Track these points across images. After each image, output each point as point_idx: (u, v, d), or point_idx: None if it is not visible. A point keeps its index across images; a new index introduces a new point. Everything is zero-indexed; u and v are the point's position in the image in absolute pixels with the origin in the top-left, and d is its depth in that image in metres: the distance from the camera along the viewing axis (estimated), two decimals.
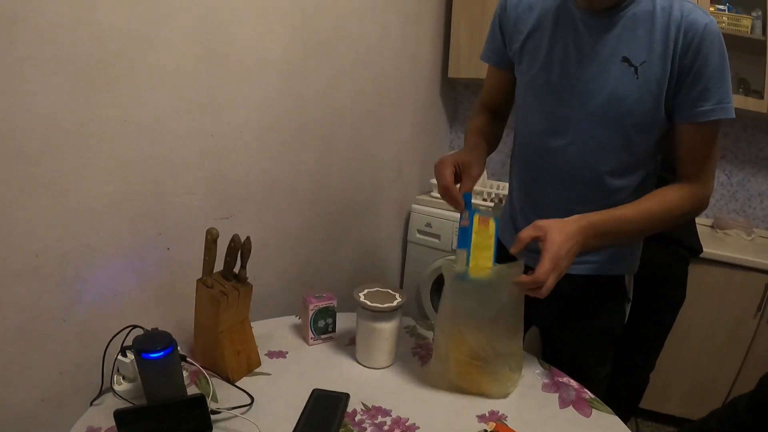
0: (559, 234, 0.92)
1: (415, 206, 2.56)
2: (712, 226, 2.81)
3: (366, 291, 1.16)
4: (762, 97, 2.43)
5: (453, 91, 3.03)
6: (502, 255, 1.05)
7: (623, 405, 1.83)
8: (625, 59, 1.02)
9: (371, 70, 2.02)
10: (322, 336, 1.22)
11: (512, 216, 1.30)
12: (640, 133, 1.06)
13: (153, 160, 1.14)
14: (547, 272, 0.88)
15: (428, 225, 2.51)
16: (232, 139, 1.37)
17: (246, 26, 1.35)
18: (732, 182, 2.90)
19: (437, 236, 2.49)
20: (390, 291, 1.17)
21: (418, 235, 2.55)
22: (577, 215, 0.99)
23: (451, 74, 2.73)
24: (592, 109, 1.06)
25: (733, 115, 1.01)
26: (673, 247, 1.88)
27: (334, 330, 1.24)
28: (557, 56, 1.09)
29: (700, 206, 1.08)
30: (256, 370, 1.10)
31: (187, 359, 1.03)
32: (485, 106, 1.31)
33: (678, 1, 0.99)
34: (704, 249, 2.10)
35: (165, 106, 1.15)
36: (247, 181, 1.45)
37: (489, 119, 1.29)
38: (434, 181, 2.60)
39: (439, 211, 2.50)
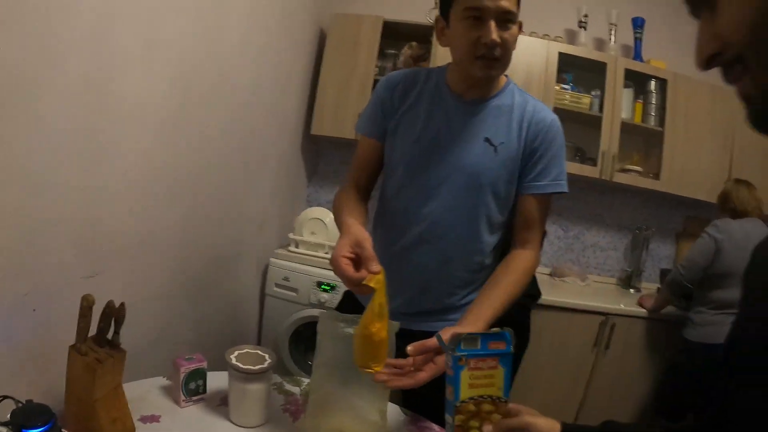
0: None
1: (273, 260, 2.69)
2: (550, 274, 3.34)
3: (236, 353, 1.27)
4: (595, 165, 3.04)
5: (315, 145, 3.24)
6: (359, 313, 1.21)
7: None
8: (487, 139, 1.32)
9: (242, 126, 2.15)
10: (194, 397, 1.29)
11: None
12: (497, 201, 1.35)
13: (24, 212, 1.14)
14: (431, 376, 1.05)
15: (286, 279, 2.65)
16: (105, 193, 1.40)
17: (131, 76, 1.41)
18: (569, 235, 3.48)
19: (295, 290, 2.63)
20: (259, 351, 1.29)
21: (275, 289, 2.68)
22: (468, 326, 1.14)
23: (314, 131, 2.95)
24: (459, 179, 1.33)
25: (566, 190, 1.36)
26: None
27: (204, 391, 1.32)
28: (431, 133, 1.35)
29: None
30: None
31: (62, 431, 1.07)
32: (355, 184, 1.46)
33: (532, 100, 1.36)
34: (546, 296, 2.52)
35: (42, 154, 1.16)
36: (117, 238, 1.48)
37: (360, 199, 1.42)
38: (292, 235, 2.78)
39: (296, 265, 2.65)
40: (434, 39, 2.94)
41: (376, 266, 1.04)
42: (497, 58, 1.25)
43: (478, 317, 1.19)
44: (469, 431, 0.93)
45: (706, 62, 0.51)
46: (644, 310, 2.82)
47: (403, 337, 1.18)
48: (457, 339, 0.93)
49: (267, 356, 1.28)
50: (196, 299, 2.02)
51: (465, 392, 0.93)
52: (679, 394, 2.54)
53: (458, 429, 0.93)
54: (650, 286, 3.39)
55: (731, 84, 0.51)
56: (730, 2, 0.48)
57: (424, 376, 1.05)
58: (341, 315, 1.21)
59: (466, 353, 0.93)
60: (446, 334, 1.02)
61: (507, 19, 1.22)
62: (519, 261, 1.34)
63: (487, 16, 1.20)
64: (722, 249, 2.47)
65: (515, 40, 1.27)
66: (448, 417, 0.94)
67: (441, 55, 2.89)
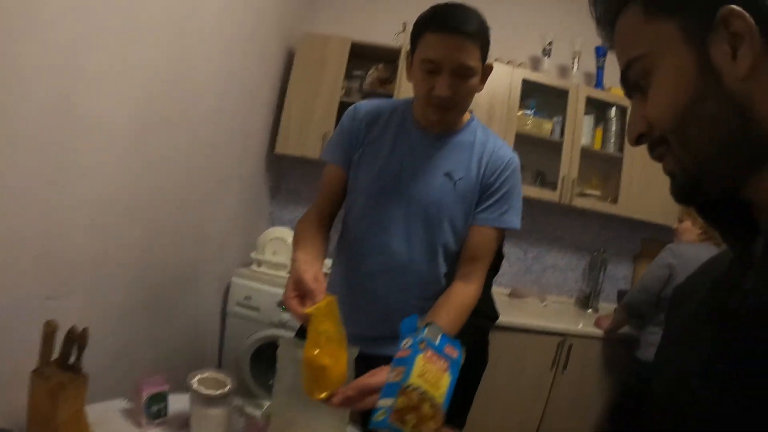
0: None
1: (234, 279, 2.71)
2: (509, 295, 3.42)
3: (198, 377, 1.31)
4: (555, 189, 3.15)
5: (277, 164, 3.29)
6: None
7: None
8: (447, 174, 1.39)
9: (206, 144, 2.19)
10: (155, 421, 1.32)
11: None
12: (455, 234, 1.42)
13: None
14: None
15: (247, 298, 2.67)
16: (67, 214, 1.43)
17: (96, 97, 1.43)
18: (528, 257, 3.59)
19: (256, 309, 2.66)
20: (220, 376, 1.34)
21: (237, 308, 2.70)
22: None
23: (278, 150, 3.00)
24: (419, 211, 1.39)
25: (516, 226, 1.42)
26: (470, 319, 2.31)
27: (166, 414, 1.35)
28: (394, 165, 1.41)
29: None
30: None
31: None
32: (319, 211, 1.49)
33: (493, 138, 1.43)
34: (504, 317, 2.60)
35: (5, 174, 1.18)
36: (78, 258, 1.50)
37: (320, 227, 1.45)
38: (255, 254, 2.81)
39: (258, 284, 2.69)
40: (401, 61, 3.05)
41: (317, 297, 1.09)
42: (450, 108, 1.32)
43: None
44: (405, 424, 0.86)
45: (636, 140, 0.60)
46: (601, 331, 2.93)
47: (364, 360, 1.23)
48: (424, 325, 0.94)
49: (227, 381, 1.33)
50: (156, 318, 2.04)
51: (414, 378, 0.88)
52: (633, 414, 2.64)
53: (396, 414, 0.86)
54: (608, 307, 3.51)
55: (657, 161, 0.59)
56: (657, 91, 0.56)
57: (358, 405, 1.09)
58: (301, 341, 1.26)
59: (426, 340, 0.92)
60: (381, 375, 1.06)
61: (464, 73, 1.27)
62: (459, 297, 1.38)
63: (442, 69, 1.26)
64: (676, 273, 2.57)
65: (472, 92, 1.33)
66: (386, 400, 0.88)
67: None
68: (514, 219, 1.42)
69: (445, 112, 1.33)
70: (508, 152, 1.43)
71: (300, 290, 1.12)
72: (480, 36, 1.27)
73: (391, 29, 3.28)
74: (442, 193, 1.39)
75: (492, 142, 1.43)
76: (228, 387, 1.30)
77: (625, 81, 0.61)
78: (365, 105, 1.50)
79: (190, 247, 2.26)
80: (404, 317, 1.44)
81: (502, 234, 1.45)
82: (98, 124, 1.47)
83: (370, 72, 3.15)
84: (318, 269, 1.20)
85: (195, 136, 2.08)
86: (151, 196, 1.85)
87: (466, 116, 1.46)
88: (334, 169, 1.51)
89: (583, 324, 3.02)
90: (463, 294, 1.39)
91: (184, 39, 1.84)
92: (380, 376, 1.08)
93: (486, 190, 1.40)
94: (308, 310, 1.06)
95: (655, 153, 0.59)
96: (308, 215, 1.49)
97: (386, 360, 1.18)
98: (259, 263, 2.81)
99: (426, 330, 0.93)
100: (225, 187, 2.52)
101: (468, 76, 1.29)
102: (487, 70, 1.36)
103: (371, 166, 1.44)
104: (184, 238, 2.19)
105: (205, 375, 1.33)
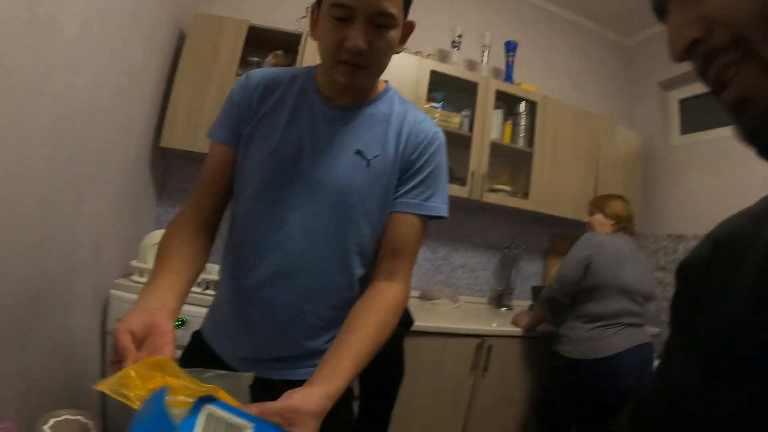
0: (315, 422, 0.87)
1: (114, 292, 2.35)
2: (420, 297, 3.30)
3: (52, 421, 1.03)
4: (464, 184, 3.08)
5: (164, 160, 2.95)
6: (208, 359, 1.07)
7: None
8: (359, 152, 1.14)
9: (74, 131, 1.83)
10: None
11: (225, 317, 1.24)
12: (370, 226, 1.16)
13: None
14: None
15: None
16: None
17: None
18: (437, 257, 3.49)
19: None
20: (82, 419, 1.07)
21: None
22: (319, 387, 0.93)
23: (164, 143, 2.66)
24: (323, 197, 1.12)
25: (445, 215, 1.20)
26: None
27: None
28: (292, 142, 1.14)
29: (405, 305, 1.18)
30: None
31: None
32: (195, 212, 1.19)
33: (413, 110, 1.20)
34: (418, 321, 2.44)
35: None
36: None
37: (192, 233, 1.15)
38: (136, 263, 2.46)
39: None
40: (301, 48, 2.82)
41: (128, 362, 0.78)
42: (363, 66, 1.08)
43: (335, 372, 0.97)
44: None
45: (685, 51, 0.44)
46: (519, 329, 2.86)
47: (264, 388, 0.99)
48: (195, 401, 0.50)
49: (90, 424, 1.06)
50: (11, 346, 1.65)
51: None
52: (560, 410, 2.60)
53: None
54: (522, 304, 3.50)
55: (713, 83, 0.43)
56: None
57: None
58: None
59: None
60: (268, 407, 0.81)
61: (383, 23, 1.05)
62: (384, 299, 1.13)
63: (356, 16, 1.03)
64: (593, 262, 2.54)
65: (390, 49, 1.10)
66: None
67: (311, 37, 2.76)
68: (441, 205, 1.20)
69: (357, 72, 1.08)
70: (431, 126, 1.21)
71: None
72: None
73: (292, 14, 3.08)
74: (353, 174, 1.14)
75: (412, 114, 1.20)
76: None
77: None
78: (259, 73, 1.22)
79: (56, 255, 1.88)
80: (306, 333, 1.19)
81: (427, 224, 1.23)
82: None
83: (268, 59, 2.89)
84: (161, 317, 0.90)
85: (61, 120, 1.71)
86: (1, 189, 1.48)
87: (381, 85, 1.22)
88: (221, 149, 1.21)
89: (499, 323, 2.94)
90: (387, 296, 1.13)
91: None
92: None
93: (407, 171, 1.17)
94: (101, 387, 0.70)
95: (719, 64, 0.42)
96: (179, 220, 1.17)
97: (289, 385, 0.96)
98: (141, 272, 2.45)
99: (201, 421, 0.49)
100: (100, 183, 2.15)
101: (387, 27, 1.06)
102: (408, 28, 1.14)
103: (263, 146, 1.16)
104: (49, 243, 1.81)
105: (62, 417, 1.05)
